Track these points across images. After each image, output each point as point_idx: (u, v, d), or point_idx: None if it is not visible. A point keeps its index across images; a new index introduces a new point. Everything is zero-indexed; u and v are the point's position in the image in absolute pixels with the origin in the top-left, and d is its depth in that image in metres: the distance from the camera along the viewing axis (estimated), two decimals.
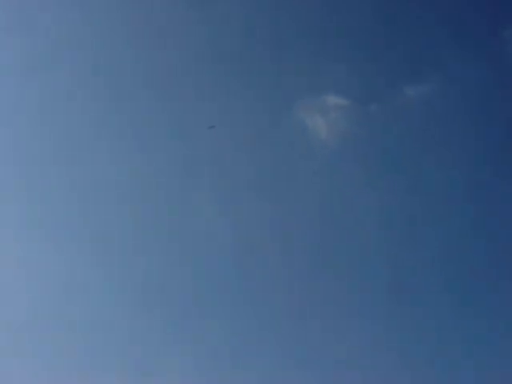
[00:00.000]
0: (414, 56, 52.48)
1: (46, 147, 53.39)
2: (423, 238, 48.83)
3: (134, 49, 55.29)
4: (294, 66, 53.18)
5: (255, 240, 48.65)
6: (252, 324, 47.22)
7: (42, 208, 51.19)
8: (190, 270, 49.20)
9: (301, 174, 50.77)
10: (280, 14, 54.76)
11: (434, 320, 46.56)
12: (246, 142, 51.86)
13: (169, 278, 48.86)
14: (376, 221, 49.06)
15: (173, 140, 52.91)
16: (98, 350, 46.24)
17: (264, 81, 53.67)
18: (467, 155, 50.15)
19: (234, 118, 52.60)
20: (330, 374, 45.25)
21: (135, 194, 51.76)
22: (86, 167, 52.39)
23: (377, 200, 49.32)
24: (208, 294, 48.38)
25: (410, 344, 46.32)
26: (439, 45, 52.47)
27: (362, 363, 45.31)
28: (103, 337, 46.81)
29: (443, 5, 53.52)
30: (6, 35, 54.64)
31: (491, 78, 51.14)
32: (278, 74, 53.29)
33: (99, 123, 54.02)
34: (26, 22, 54.85)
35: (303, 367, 45.51)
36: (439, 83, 51.91)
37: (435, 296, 47.17)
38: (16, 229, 50.19)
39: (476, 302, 47.31)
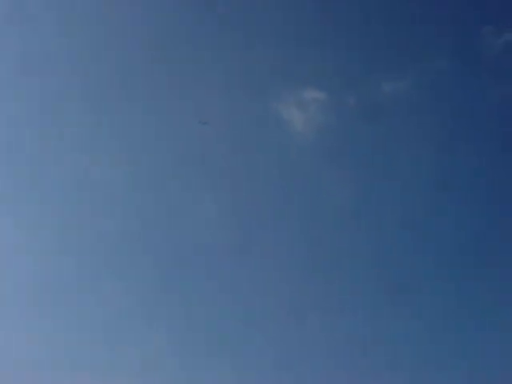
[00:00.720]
0: (391, 51, 53.48)
1: (45, 147, 53.60)
2: (396, 227, 49.57)
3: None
4: (271, 59, 53.75)
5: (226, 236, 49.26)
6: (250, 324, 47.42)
7: (41, 208, 51.46)
8: (187, 269, 49.50)
9: (276, 166, 51.43)
10: (257, 9, 55.24)
11: (430, 320, 46.98)
12: (223, 135, 52.36)
13: (167, 276, 49.38)
14: (352, 213, 49.77)
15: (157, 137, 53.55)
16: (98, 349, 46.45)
17: (241, 74, 54.23)
18: (441, 148, 51.10)
19: (212, 112, 52.68)
20: (325, 374, 45.62)
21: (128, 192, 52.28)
22: (83, 167, 52.71)
23: (351, 192, 50.11)
24: (208, 293, 48.69)
25: (406, 344, 46.78)
26: (416, 40, 53.67)
27: (360, 363, 45.83)
28: (103, 336, 47.06)
29: (421, 2, 54.69)
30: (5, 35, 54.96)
31: (467, 73, 52.45)
32: (255, 67, 53.82)
33: (97, 123, 54.25)
34: (26, 21, 54.93)
35: (300, 367, 45.94)
36: (415, 78, 52.79)
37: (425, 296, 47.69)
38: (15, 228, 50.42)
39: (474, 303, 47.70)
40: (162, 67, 53.87)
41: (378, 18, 54.28)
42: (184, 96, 52.96)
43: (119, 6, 55.08)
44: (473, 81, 51.94)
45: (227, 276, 48.36)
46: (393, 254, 48.77)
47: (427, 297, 47.52)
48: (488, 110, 51.58)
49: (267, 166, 51.29)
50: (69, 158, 52.89)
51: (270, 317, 47.09)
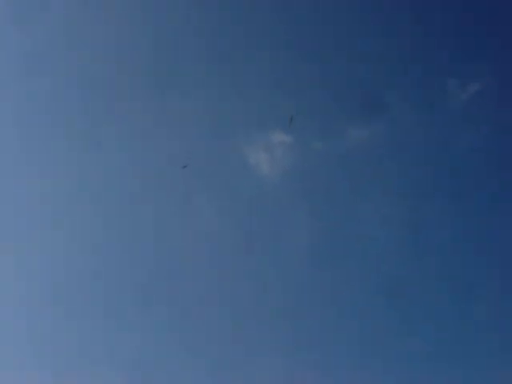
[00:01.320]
0: (358, 100, 53.82)
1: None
2: (357, 268, 49.64)
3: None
4: (241, 102, 54.29)
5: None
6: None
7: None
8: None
9: (242, 208, 51.38)
10: (230, 52, 55.70)
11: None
12: (189, 175, 50.94)
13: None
14: (316, 255, 49.82)
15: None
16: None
17: (210, 115, 54.13)
18: (405, 196, 51.60)
19: (178, 152, 52.31)
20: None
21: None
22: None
23: (316, 235, 50.15)
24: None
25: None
26: (382, 90, 54.23)
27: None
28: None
29: (390, 52, 55.38)
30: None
31: (432, 124, 53.02)
32: (223, 109, 53.98)
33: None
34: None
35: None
36: (381, 127, 53.35)
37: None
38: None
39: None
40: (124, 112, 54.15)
41: (349, 69, 55.08)
42: (150, 136, 53.48)
43: None
44: (438, 132, 52.95)
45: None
46: (356, 297, 49.07)
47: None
48: (454, 159, 52.38)
49: (232, 207, 51.54)
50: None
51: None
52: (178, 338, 47.36)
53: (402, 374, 45.49)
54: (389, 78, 54.69)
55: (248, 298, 48.77)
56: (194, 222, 50.50)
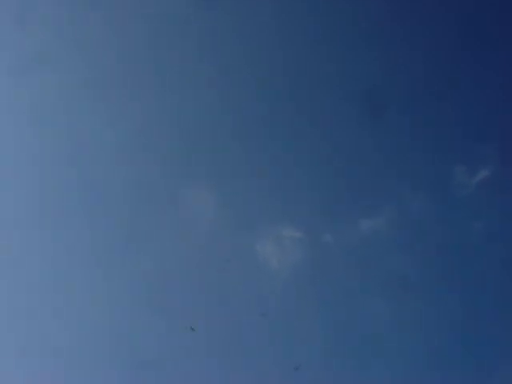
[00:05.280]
0: (368, 189, 52.58)
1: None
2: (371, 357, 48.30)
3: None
4: (248, 196, 52.74)
5: None
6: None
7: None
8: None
9: (251, 301, 49.79)
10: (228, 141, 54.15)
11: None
12: (195, 271, 50.49)
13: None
14: (329, 352, 48.60)
15: None
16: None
17: (217, 209, 52.58)
18: (417, 287, 49.73)
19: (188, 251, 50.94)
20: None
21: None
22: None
23: (327, 331, 48.66)
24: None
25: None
26: (392, 178, 53.15)
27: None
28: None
29: (394, 141, 53.99)
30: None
31: (442, 212, 51.68)
32: (232, 202, 52.53)
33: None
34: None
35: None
36: (391, 217, 52.13)
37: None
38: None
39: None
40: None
41: (354, 156, 53.64)
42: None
43: None
44: (448, 219, 51.85)
45: None
46: None
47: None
48: (466, 246, 50.99)
49: (242, 300, 49.99)
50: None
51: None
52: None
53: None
54: (398, 167, 53.36)
55: None
56: (201, 321, 48.35)
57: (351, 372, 48.49)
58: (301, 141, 54.93)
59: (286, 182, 54.56)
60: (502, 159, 52.29)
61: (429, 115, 54.73)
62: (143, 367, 46.14)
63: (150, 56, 55.96)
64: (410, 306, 49.71)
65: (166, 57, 56.16)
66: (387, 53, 55.32)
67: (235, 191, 53.81)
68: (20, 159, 53.08)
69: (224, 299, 50.02)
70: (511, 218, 50.97)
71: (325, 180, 54.72)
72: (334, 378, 48.26)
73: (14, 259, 49.58)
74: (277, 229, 53.08)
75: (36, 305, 48.36)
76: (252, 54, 56.62)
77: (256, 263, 51.10)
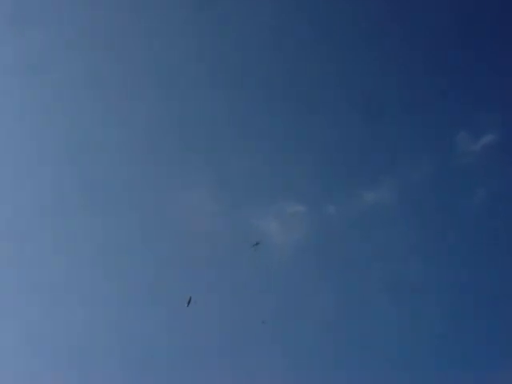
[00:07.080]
0: (370, 162, 54.05)
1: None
2: (378, 338, 48.81)
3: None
4: (250, 172, 54.47)
5: None
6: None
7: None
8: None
9: (257, 280, 50.30)
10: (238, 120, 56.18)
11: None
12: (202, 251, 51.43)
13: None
14: (335, 326, 49.20)
15: None
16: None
17: (220, 186, 54.18)
18: (426, 257, 51.14)
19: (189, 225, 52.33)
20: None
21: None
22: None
23: (334, 305, 49.50)
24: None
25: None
26: (393, 151, 54.45)
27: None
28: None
29: (396, 113, 55.91)
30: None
31: (446, 179, 53.15)
32: (233, 181, 54.15)
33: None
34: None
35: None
36: (396, 187, 53.27)
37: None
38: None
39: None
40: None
41: (356, 131, 55.43)
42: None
43: None
44: (453, 186, 53.04)
45: None
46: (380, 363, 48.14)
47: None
48: (474, 210, 52.06)
49: (247, 279, 50.54)
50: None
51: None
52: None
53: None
54: (398, 137, 55.27)
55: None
56: (206, 295, 48.29)
57: (354, 342, 47.94)
58: (301, 121, 55.56)
59: (288, 157, 54.36)
60: (504, 126, 52.61)
61: (429, 84, 55.68)
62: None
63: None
64: (413, 275, 49.31)
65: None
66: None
67: (236, 169, 53.81)
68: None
69: (230, 277, 49.73)
70: None
71: (326, 154, 54.72)
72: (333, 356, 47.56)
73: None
74: (280, 204, 53.13)
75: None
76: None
77: (261, 239, 48.62)
